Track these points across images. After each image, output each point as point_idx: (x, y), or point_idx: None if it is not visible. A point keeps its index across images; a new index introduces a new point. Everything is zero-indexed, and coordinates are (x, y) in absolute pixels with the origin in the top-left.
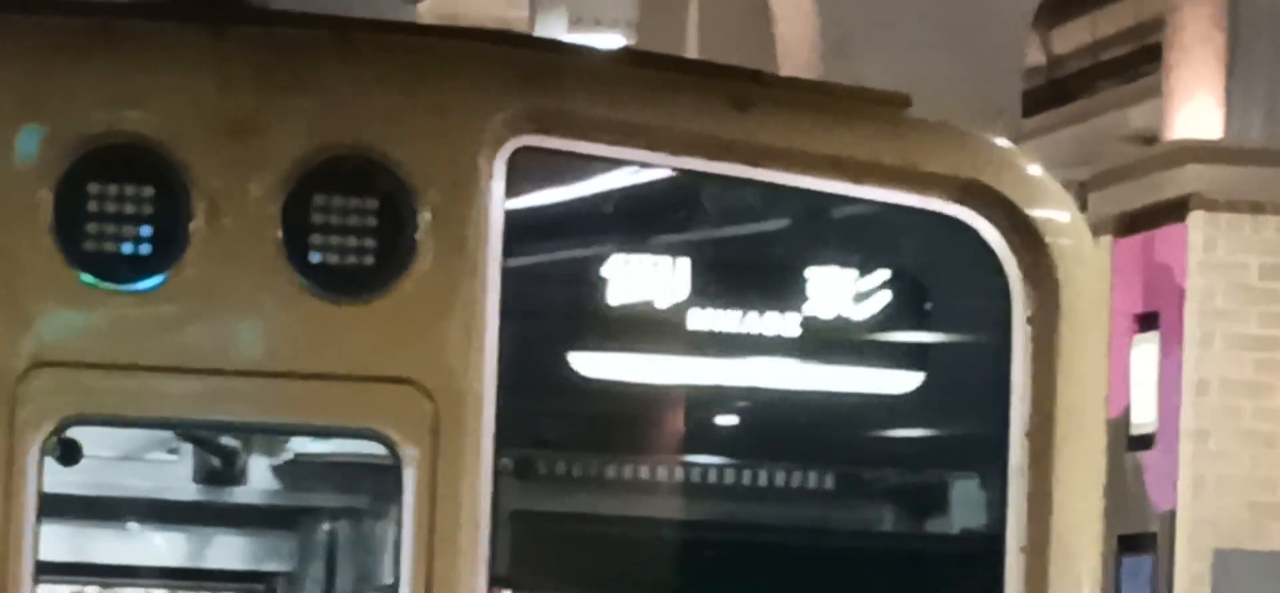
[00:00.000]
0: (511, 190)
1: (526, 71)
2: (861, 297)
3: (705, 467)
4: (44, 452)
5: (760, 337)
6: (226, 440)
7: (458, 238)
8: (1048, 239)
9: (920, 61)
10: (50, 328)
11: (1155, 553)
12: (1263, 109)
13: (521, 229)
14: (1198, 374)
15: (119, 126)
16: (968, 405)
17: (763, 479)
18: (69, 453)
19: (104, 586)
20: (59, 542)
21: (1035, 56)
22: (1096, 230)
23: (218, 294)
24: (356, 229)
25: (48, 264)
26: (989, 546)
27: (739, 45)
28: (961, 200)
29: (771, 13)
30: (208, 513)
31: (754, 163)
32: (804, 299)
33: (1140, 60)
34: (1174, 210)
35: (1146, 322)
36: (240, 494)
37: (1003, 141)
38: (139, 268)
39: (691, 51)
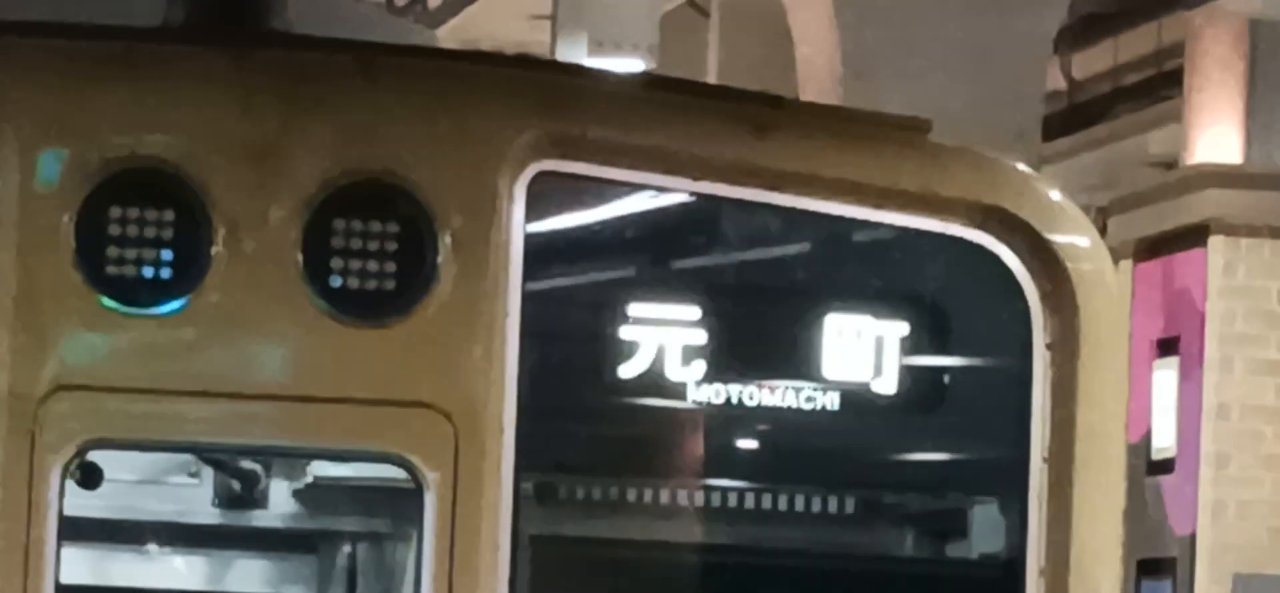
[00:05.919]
0: (532, 214)
1: (547, 96)
2: (881, 321)
3: (725, 491)
4: (65, 475)
5: (780, 361)
6: (247, 464)
7: (478, 262)
8: (1068, 264)
9: (941, 86)
10: (71, 352)
11: (1175, 578)
12: None
13: (542, 253)
14: (1218, 399)
15: (141, 150)
16: (987, 430)
17: (782, 504)
18: (90, 477)
19: None
20: (80, 565)
21: (1056, 81)
22: (1116, 255)
23: (238, 318)
24: (377, 253)
25: (69, 288)
26: (1008, 570)
27: (759, 70)
28: (982, 225)
29: (792, 37)
30: (228, 537)
31: (774, 188)
32: (823, 324)
33: (1161, 85)
34: (1194, 235)
35: (1167, 346)
36: (260, 518)
37: (1023, 166)
38: (160, 292)
39: (712, 76)
